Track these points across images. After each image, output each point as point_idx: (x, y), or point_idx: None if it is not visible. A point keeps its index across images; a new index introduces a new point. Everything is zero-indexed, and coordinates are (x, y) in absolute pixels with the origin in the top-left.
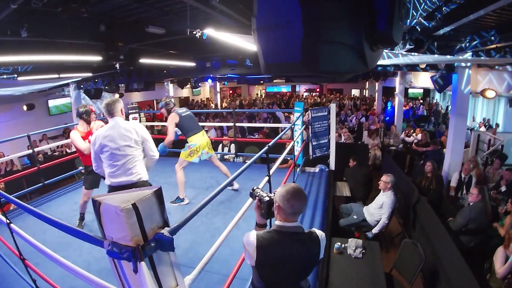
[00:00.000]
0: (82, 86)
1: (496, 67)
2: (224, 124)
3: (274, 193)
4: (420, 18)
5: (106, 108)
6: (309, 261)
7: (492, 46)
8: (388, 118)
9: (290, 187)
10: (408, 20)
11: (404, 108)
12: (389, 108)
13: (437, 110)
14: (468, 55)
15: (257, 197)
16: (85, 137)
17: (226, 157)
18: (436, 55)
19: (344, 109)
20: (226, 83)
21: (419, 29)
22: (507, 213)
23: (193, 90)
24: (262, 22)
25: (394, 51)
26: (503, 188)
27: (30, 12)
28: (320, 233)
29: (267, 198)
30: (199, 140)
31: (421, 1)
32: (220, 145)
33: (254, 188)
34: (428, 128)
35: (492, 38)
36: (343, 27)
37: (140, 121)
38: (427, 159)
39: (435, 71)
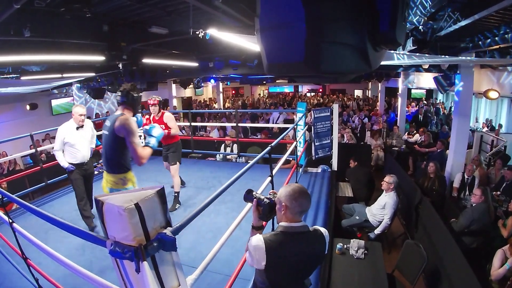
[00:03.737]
0: (85, 86)
1: (500, 67)
2: (226, 124)
3: (270, 194)
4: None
5: None
6: (316, 258)
7: (495, 47)
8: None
9: (296, 186)
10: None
11: (408, 109)
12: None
13: (427, 114)
14: (471, 55)
15: (255, 200)
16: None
17: (228, 157)
18: (439, 56)
19: (347, 109)
20: (228, 83)
21: (422, 30)
22: (507, 214)
23: (196, 90)
24: (265, 22)
25: (397, 52)
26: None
27: (33, 12)
28: (323, 230)
29: (267, 201)
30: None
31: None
32: (223, 145)
33: (250, 191)
34: (430, 129)
35: (496, 38)
36: (346, 28)
37: None
38: (429, 160)
39: (438, 71)
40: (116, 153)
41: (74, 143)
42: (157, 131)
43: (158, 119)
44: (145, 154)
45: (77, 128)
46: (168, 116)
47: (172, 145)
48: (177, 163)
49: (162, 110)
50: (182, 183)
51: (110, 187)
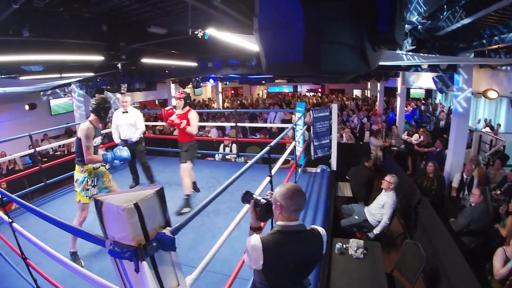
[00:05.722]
0: (83, 85)
1: (502, 67)
2: (226, 124)
3: (268, 195)
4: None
5: None
6: (314, 258)
7: (494, 47)
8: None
9: (290, 185)
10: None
11: (407, 109)
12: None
13: (425, 113)
14: (470, 55)
15: (252, 200)
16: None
17: (227, 157)
18: (438, 56)
19: (346, 109)
20: (228, 83)
21: (420, 30)
22: (508, 214)
23: (195, 90)
24: (264, 22)
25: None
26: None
27: (32, 12)
28: (320, 229)
29: (264, 201)
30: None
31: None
32: (222, 145)
33: (247, 192)
34: (429, 128)
35: (495, 38)
36: (345, 27)
37: None
38: (428, 160)
39: (437, 71)
40: (79, 149)
41: (119, 124)
42: (124, 153)
43: (183, 113)
44: (92, 158)
45: (123, 113)
46: (193, 113)
47: (185, 144)
48: (187, 162)
49: (189, 107)
50: (196, 190)
51: (75, 173)
